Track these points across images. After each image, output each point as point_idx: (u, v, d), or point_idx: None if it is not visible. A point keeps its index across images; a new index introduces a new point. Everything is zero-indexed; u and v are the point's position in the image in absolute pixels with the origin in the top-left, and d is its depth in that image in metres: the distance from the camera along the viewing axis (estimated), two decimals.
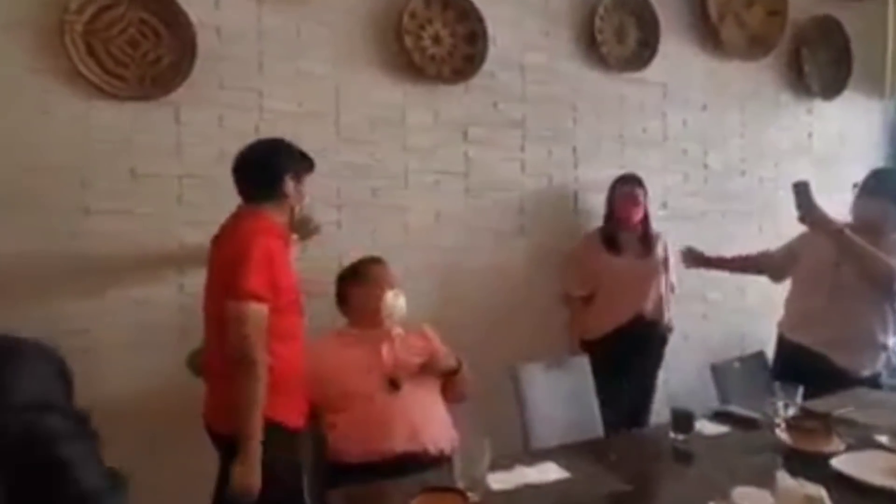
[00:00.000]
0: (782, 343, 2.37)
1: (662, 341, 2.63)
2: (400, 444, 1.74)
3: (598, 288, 2.56)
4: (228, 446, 1.55)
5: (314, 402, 1.81)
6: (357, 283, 1.99)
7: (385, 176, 2.41)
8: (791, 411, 1.64)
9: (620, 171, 2.76)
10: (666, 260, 2.64)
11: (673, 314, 2.68)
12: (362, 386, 1.83)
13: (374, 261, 2.04)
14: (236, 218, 1.66)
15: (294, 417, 1.63)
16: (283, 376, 1.59)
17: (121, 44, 2.02)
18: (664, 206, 2.99)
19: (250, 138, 2.11)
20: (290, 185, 1.66)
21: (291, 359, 1.65)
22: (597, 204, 2.75)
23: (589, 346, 2.48)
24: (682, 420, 1.64)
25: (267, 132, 2.16)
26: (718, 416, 1.81)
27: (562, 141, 2.74)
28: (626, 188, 2.54)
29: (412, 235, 2.46)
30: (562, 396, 2.17)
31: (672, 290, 2.68)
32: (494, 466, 1.34)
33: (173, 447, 1.99)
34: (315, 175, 2.25)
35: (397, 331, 1.99)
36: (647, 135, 2.94)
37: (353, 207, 2.35)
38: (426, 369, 1.89)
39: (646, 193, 2.56)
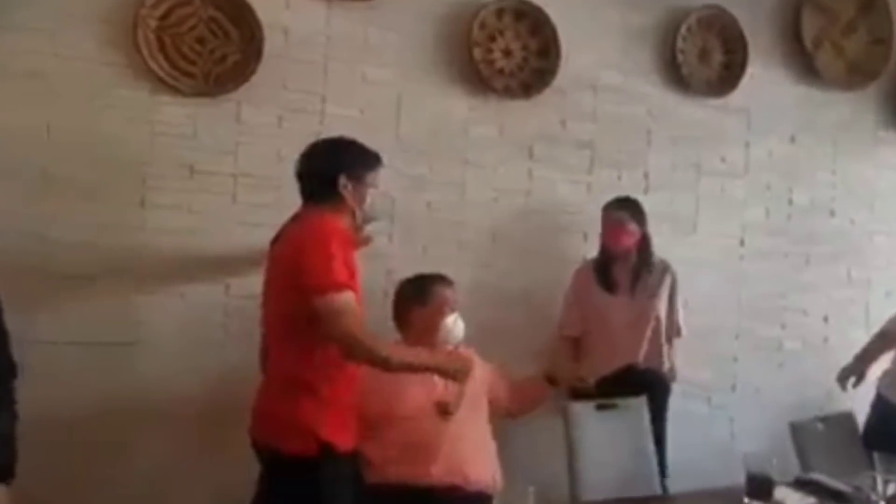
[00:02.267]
0: (881, 404, 2.10)
1: (664, 390, 2.32)
2: (439, 473, 1.67)
3: (589, 328, 2.33)
4: (271, 465, 1.50)
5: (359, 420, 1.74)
6: (419, 302, 1.92)
7: (442, 189, 2.34)
8: (893, 488, 1.42)
9: (694, 201, 2.58)
10: (672, 298, 2.36)
11: (676, 360, 2.39)
12: (409, 407, 1.77)
13: (440, 280, 1.95)
14: (297, 220, 1.62)
15: (345, 439, 1.53)
16: (337, 395, 1.52)
17: (190, 41, 2.04)
18: (741, 243, 2.80)
19: (309, 141, 2.13)
20: (346, 184, 1.58)
21: (351, 376, 1.56)
22: (666, 234, 2.57)
23: (578, 394, 2.20)
24: (760, 486, 1.47)
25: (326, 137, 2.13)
26: (802, 485, 1.63)
27: (633, 166, 2.60)
28: (612, 213, 2.30)
29: (465, 253, 2.37)
30: (615, 440, 2.03)
31: (678, 333, 2.38)
32: None
33: (209, 454, 1.96)
34: None
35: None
36: (727, 165, 2.76)
37: (406, 220, 2.29)
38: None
39: (641, 220, 2.30)
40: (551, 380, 2.06)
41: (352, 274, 1.50)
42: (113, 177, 1.97)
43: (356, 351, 1.43)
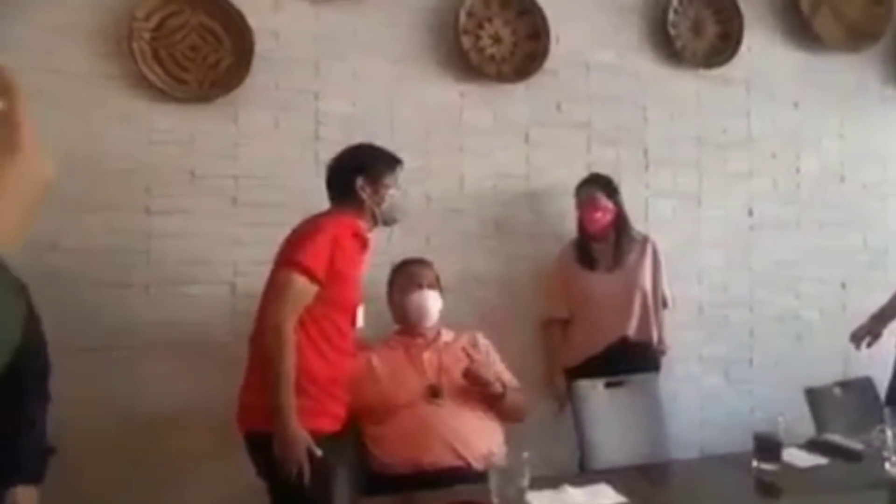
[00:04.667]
0: None
1: (654, 365, 2.29)
2: (441, 457, 1.68)
3: (574, 309, 2.32)
4: (251, 449, 1.55)
5: (356, 411, 1.78)
6: (394, 282, 1.99)
7: (440, 180, 2.35)
8: None
9: (697, 175, 2.55)
10: (656, 270, 2.33)
11: (667, 331, 2.35)
12: (403, 394, 1.79)
13: (416, 260, 2.02)
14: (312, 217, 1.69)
15: (322, 423, 1.58)
16: (313, 376, 1.55)
17: (183, 49, 2.08)
18: (750, 213, 2.76)
19: (306, 140, 2.18)
20: (363, 186, 1.66)
21: (333, 365, 1.61)
22: (670, 210, 2.56)
23: (571, 374, 2.21)
24: (768, 447, 1.44)
25: (323, 134, 2.18)
26: (814, 446, 1.60)
27: (631, 143, 2.58)
28: (585, 191, 2.29)
29: (469, 242, 2.38)
30: (626, 417, 2.00)
31: (665, 304, 2.36)
32: (539, 485, 1.23)
33: (217, 457, 1.97)
34: None
35: (445, 338, 1.95)
36: (728, 136, 2.72)
37: (412, 214, 2.27)
38: (468, 378, 1.81)
39: (613, 194, 2.29)
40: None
41: (348, 266, 1.55)
42: (117, 187, 2.02)
43: (268, 335, 1.48)
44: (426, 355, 1.88)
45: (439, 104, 2.35)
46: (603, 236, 2.30)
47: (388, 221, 1.76)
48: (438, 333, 1.96)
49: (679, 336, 2.50)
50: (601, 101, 2.54)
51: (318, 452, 1.50)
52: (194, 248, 2.08)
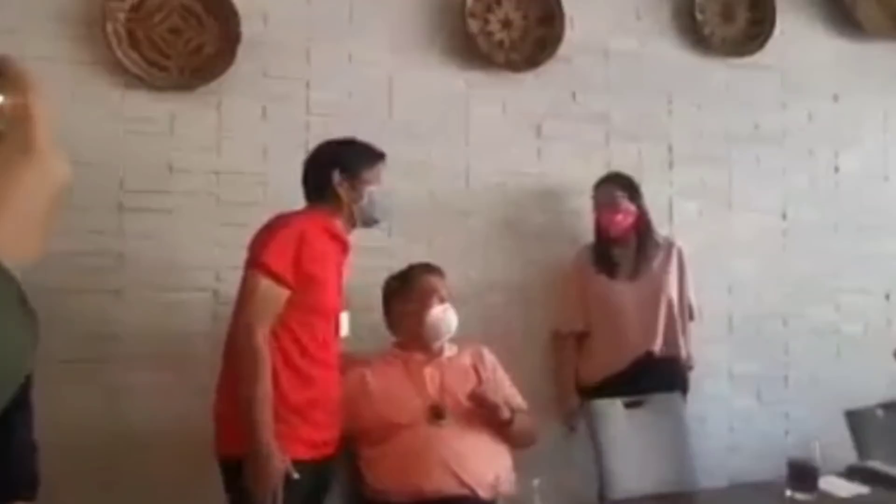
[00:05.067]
0: None
1: (683, 383, 2.28)
2: (443, 484, 1.67)
3: (592, 320, 2.30)
4: (222, 472, 1.54)
5: (349, 432, 1.77)
6: (403, 295, 1.95)
7: (444, 176, 2.35)
8: None
9: (726, 174, 2.52)
10: (682, 277, 2.32)
11: (693, 346, 2.35)
12: (403, 415, 1.78)
13: (426, 268, 1.98)
14: None
15: (296, 450, 1.55)
16: (288, 400, 1.53)
17: (162, 32, 2.07)
18: (784, 216, 2.74)
19: (296, 132, 2.16)
20: (340, 182, 1.66)
21: (312, 382, 1.59)
22: (696, 212, 2.56)
23: (588, 394, 2.20)
24: (803, 475, 1.44)
25: (314, 126, 2.17)
26: (854, 473, 1.60)
27: (654, 138, 2.58)
28: (604, 191, 2.29)
29: (475, 244, 2.37)
30: (648, 441, 1.99)
31: (691, 315, 2.35)
32: None
33: (194, 475, 1.92)
34: None
35: (448, 352, 1.94)
36: (761, 131, 2.71)
37: (406, 212, 2.27)
38: (474, 401, 1.80)
39: (634, 195, 2.28)
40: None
41: (320, 268, 1.54)
42: (88, 181, 2.00)
43: (237, 346, 1.48)
44: (428, 371, 1.87)
45: (443, 94, 2.34)
46: (623, 240, 2.29)
47: (369, 221, 1.76)
48: (441, 347, 1.94)
49: (706, 351, 2.48)
50: (621, 92, 2.53)
51: (296, 475, 1.48)
52: (172, 250, 2.06)
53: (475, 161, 2.37)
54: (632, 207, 2.28)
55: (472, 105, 2.37)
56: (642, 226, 2.30)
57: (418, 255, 2.16)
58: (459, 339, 2.01)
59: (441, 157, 2.34)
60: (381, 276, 2.13)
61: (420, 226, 2.30)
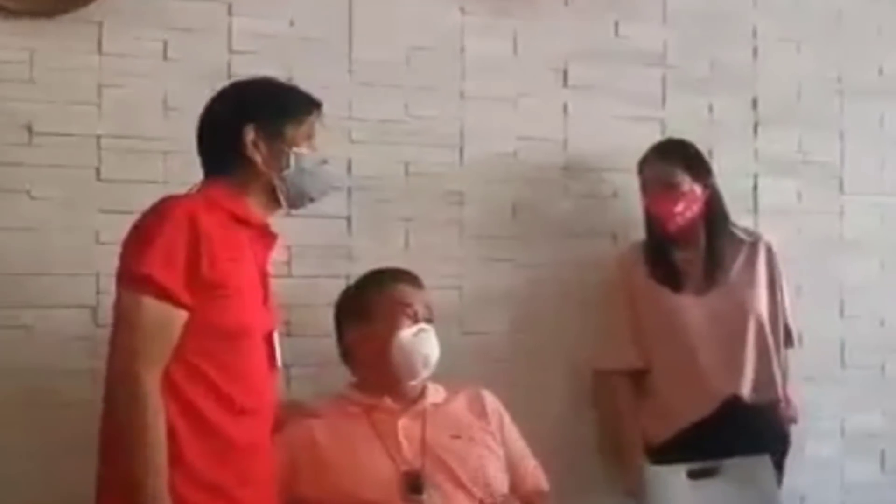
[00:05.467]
0: None
1: (781, 442, 2.33)
2: None
3: (653, 353, 2.33)
4: None
5: None
6: (361, 314, 1.98)
7: (428, 143, 2.34)
8: None
9: (836, 140, 2.55)
10: (773, 286, 2.37)
11: (796, 387, 2.41)
12: (368, 490, 1.80)
13: (395, 275, 2.02)
14: None
15: None
16: (184, 460, 1.50)
17: None
18: None
19: (213, 77, 2.13)
20: (254, 139, 1.63)
21: (236, 444, 1.56)
22: (793, 195, 2.58)
23: (652, 454, 2.26)
24: None
25: (239, 68, 2.15)
26: None
27: (732, 88, 2.62)
28: (656, 169, 2.31)
29: (470, 241, 2.38)
30: None
31: (788, 340, 2.40)
32: None
33: None
34: None
35: (432, 397, 1.98)
36: (886, 79, 2.77)
37: (373, 192, 2.30)
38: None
39: (702, 174, 2.31)
40: None
41: (218, 283, 1.51)
42: None
43: (121, 402, 1.46)
44: (403, 424, 1.89)
45: (427, 25, 2.35)
46: (688, 238, 2.32)
47: (298, 199, 1.73)
48: (423, 390, 1.97)
49: (808, 397, 2.51)
50: (683, 22, 2.57)
51: None
52: (33, 248, 2.04)
53: (473, 122, 2.38)
54: (698, 191, 2.29)
55: (469, 41, 2.38)
56: (714, 216, 2.32)
57: (389, 259, 2.17)
58: (449, 382, 2.02)
59: (423, 115, 2.34)
60: (335, 286, 2.14)
61: (392, 216, 2.30)
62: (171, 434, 1.46)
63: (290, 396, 1.99)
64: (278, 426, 1.79)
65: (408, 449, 1.85)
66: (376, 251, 2.24)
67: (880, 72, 2.74)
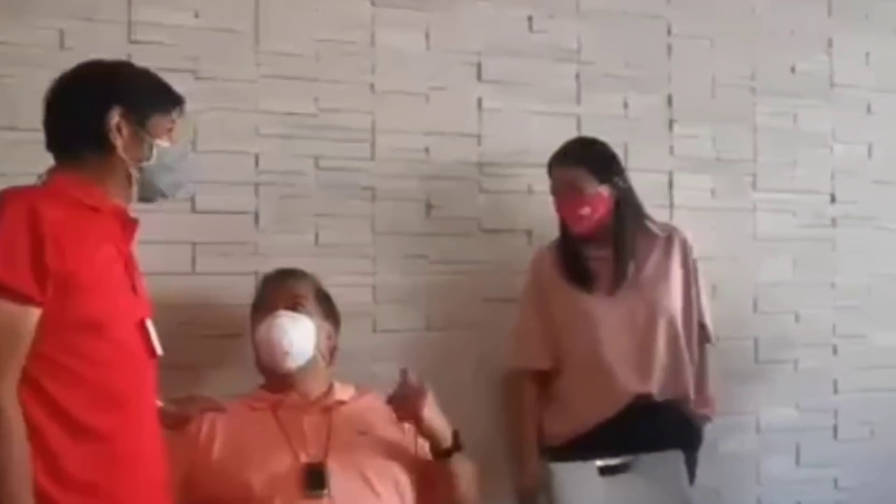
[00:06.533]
0: None
1: (694, 437, 2.35)
2: None
3: (564, 354, 2.35)
4: None
5: None
6: (255, 312, 2.04)
7: (338, 137, 2.34)
8: None
9: (749, 137, 2.61)
10: (688, 281, 2.37)
11: (713, 383, 2.42)
12: (264, 482, 1.80)
13: (281, 273, 2.08)
14: None
15: None
16: (80, 473, 1.45)
17: None
18: (832, 199, 2.85)
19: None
20: (118, 123, 1.56)
21: (115, 439, 1.51)
22: (707, 192, 2.62)
23: (554, 453, 2.27)
24: None
25: (140, 59, 2.07)
26: None
27: (647, 85, 2.64)
28: (561, 172, 2.32)
29: (385, 238, 2.38)
30: None
31: (705, 337, 2.42)
32: None
33: None
34: (213, 129, 2.12)
35: (340, 394, 2.00)
36: (799, 77, 2.81)
37: (282, 188, 2.28)
38: (396, 408, 1.87)
39: (609, 173, 2.30)
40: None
41: (65, 277, 1.44)
42: None
43: None
44: (308, 420, 1.90)
45: (337, 16, 2.35)
46: (599, 238, 2.32)
47: (150, 194, 1.67)
48: (330, 388, 1.99)
49: (724, 393, 2.52)
50: (598, 18, 2.57)
51: None
52: None
53: (385, 116, 2.38)
54: (605, 193, 2.29)
55: (381, 34, 2.38)
56: (624, 215, 2.32)
57: (299, 256, 2.18)
58: (361, 384, 2.05)
59: (333, 109, 2.33)
60: (244, 288, 2.14)
61: (301, 212, 2.29)
62: (38, 434, 1.41)
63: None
64: (179, 421, 1.78)
65: (312, 444, 1.86)
66: (285, 247, 2.23)
67: (793, 70, 2.78)
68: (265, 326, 1.94)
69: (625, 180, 2.33)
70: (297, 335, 1.93)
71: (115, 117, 1.55)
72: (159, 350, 1.60)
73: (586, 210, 2.26)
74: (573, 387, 2.32)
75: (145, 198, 1.66)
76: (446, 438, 1.87)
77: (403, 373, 1.89)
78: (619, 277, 2.30)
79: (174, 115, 1.66)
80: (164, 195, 1.69)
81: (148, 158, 1.59)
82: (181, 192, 1.80)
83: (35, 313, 1.41)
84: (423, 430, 1.86)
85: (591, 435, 2.24)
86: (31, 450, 1.38)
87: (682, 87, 2.67)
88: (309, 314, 1.98)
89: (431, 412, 1.85)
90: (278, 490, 1.78)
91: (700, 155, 2.68)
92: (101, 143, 1.56)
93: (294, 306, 1.97)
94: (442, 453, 1.87)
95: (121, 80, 1.62)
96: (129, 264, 1.60)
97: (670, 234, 2.38)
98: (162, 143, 1.62)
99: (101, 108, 1.56)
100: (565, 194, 2.29)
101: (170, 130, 1.64)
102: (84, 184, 1.55)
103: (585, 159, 2.30)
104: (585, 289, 2.30)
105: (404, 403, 1.84)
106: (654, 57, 2.65)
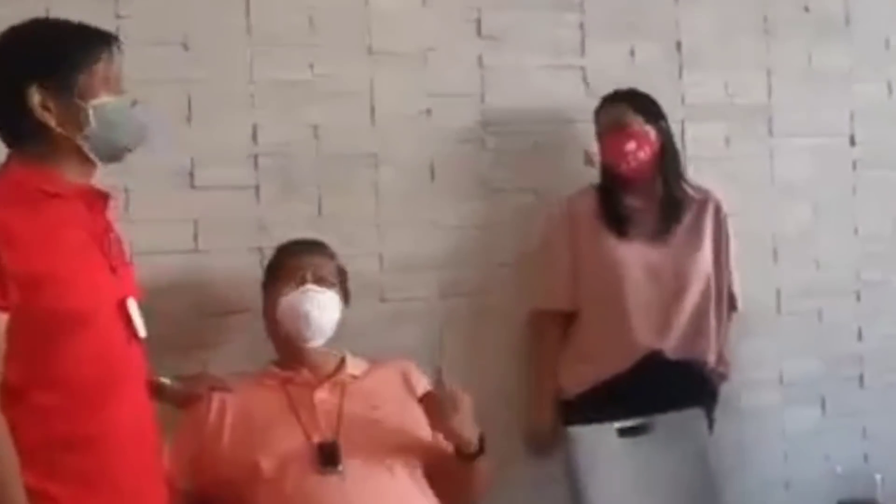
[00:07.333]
0: None
1: (709, 397, 2.37)
2: None
3: (589, 298, 2.37)
4: None
5: (198, 494, 1.81)
6: (268, 287, 2.03)
7: (336, 101, 2.32)
8: None
9: (763, 79, 2.59)
10: (719, 246, 2.40)
11: (729, 348, 2.45)
12: (277, 460, 1.80)
13: (304, 243, 2.05)
14: None
15: None
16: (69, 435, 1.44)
17: None
18: (852, 141, 2.83)
19: None
20: (40, 103, 1.47)
21: (100, 417, 1.49)
22: (721, 140, 2.59)
23: (568, 409, 2.30)
24: None
25: (127, 33, 2.04)
26: None
27: (655, 32, 2.62)
28: (611, 112, 2.35)
29: (388, 206, 2.36)
30: (656, 482, 2.10)
31: (732, 304, 2.45)
32: None
33: None
34: (208, 102, 2.06)
35: (351, 368, 2.00)
36: (814, 15, 2.77)
37: (281, 159, 2.27)
38: (427, 408, 1.85)
39: (655, 117, 2.36)
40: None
41: (34, 277, 1.40)
42: None
43: None
44: (319, 397, 1.90)
45: None
46: (641, 181, 2.34)
47: (114, 152, 1.59)
48: (342, 363, 1.99)
49: (745, 347, 2.55)
50: None
51: None
52: None
53: (383, 78, 2.36)
54: (651, 133, 2.32)
55: None
56: (669, 162, 2.36)
57: (302, 228, 2.17)
58: (373, 356, 2.05)
59: (329, 72, 2.31)
60: (244, 260, 2.16)
61: (303, 183, 2.29)
62: (22, 434, 1.38)
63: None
64: (188, 399, 1.82)
65: (324, 421, 1.86)
66: (288, 220, 2.22)
67: (806, 9, 2.74)
68: (295, 298, 1.93)
69: (669, 130, 2.36)
70: (327, 314, 1.94)
71: (35, 96, 1.46)
72: (142, 332, 1.55)
73: (632, 144, 2.29)
74: (589, 333, 2.35)
75: (109, 159, 1.57)
76: (473, 444, 1.85)
77: (438, 372, 1.91)
78: (665, 227, 2.32)
79: (103, 63, 1.52)
80: (128, 149, 1.60)
81: (88, 124, 1.50)
82: (153, 137, 1.65)
83: (3, 319, 1.38)
84: (451, 438, 1.83)
85: (605, 390, 2.25)
86: (16, 449, 1.36)
87: (690, 33, 2.64)
88: (337, 292, 1.99)
89: (463, 424, 1.82)
90: (290, 469, 1.79)
91: (712, 102, 2.65)
92: (33, 127, 1.48)
93: (320, 281, 1.96)
94: (466, 457, 1.85)
95: (27, 54, 1.50)
96: (103, 244, 1.54)
97: (706, 197, 2.40)
98: (100, 100, 1.51)
99: (17, 91, 1.46)
100: (612, 131, 2.32)
101: (106, 81, 1.52)
102: (39, 170, 1.49)
103: (633, 99, 2.34)
104: (621, 233, 2.32)
105: (437, 411, 1.82)
106: (660, 1, 2.61)
